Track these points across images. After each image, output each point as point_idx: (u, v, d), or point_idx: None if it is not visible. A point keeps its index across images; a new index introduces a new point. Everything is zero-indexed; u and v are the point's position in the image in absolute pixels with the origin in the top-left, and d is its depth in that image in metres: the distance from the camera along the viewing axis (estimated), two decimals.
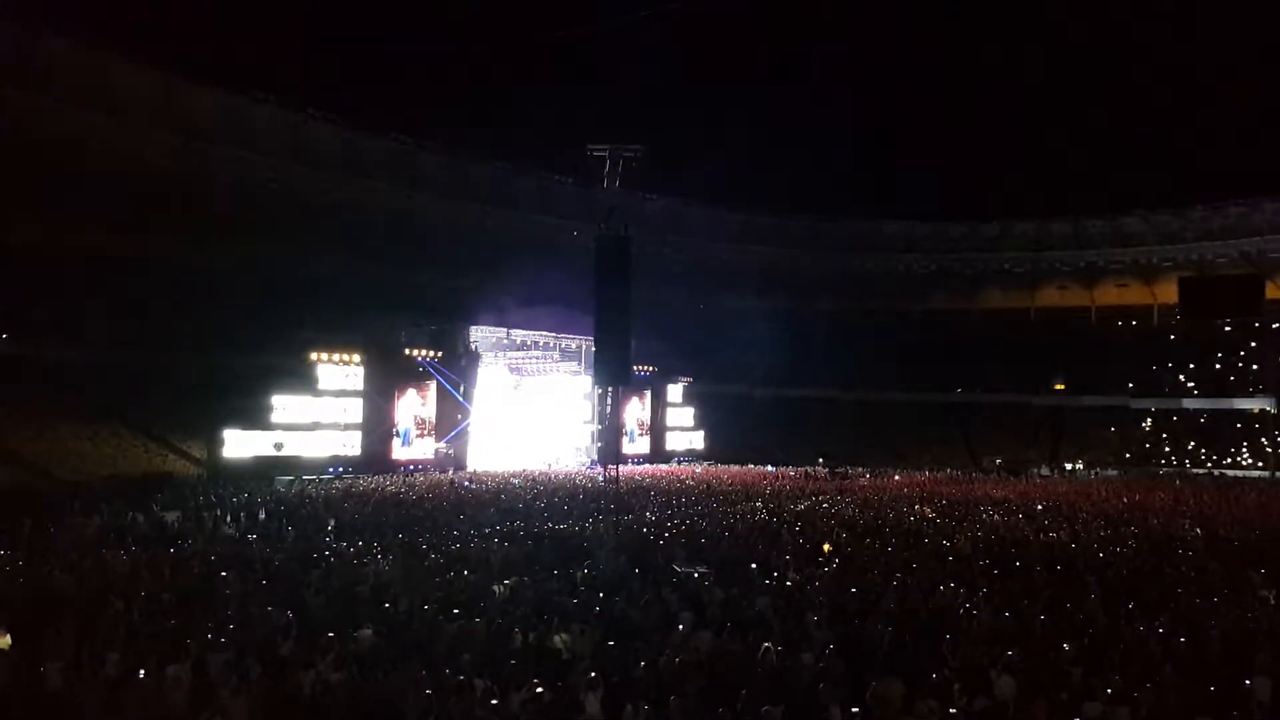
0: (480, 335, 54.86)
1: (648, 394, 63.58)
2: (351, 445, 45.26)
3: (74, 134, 49.04)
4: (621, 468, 42.16)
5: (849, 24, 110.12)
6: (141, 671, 11.04)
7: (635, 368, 52.47)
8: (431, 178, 68.18)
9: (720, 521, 28.88)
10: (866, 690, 11.00)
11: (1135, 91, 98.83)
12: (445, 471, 46.10)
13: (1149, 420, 68.93)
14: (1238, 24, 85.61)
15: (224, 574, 17.33)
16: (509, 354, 59.19)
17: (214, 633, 12.87)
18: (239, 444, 41.75)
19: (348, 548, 21.29)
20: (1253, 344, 70.35)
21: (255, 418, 42.34)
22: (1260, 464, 60.85)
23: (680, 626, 13.94)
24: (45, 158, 46.09)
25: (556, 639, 13.27)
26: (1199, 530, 27.93)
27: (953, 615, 15.39)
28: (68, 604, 14.34)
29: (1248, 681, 11.56)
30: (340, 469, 43.70)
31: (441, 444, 49.61)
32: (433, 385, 49.48)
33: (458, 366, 50.97)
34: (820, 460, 57.49)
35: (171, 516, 25.82)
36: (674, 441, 66.58)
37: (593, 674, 11.13)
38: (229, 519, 26.60)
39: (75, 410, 42.48)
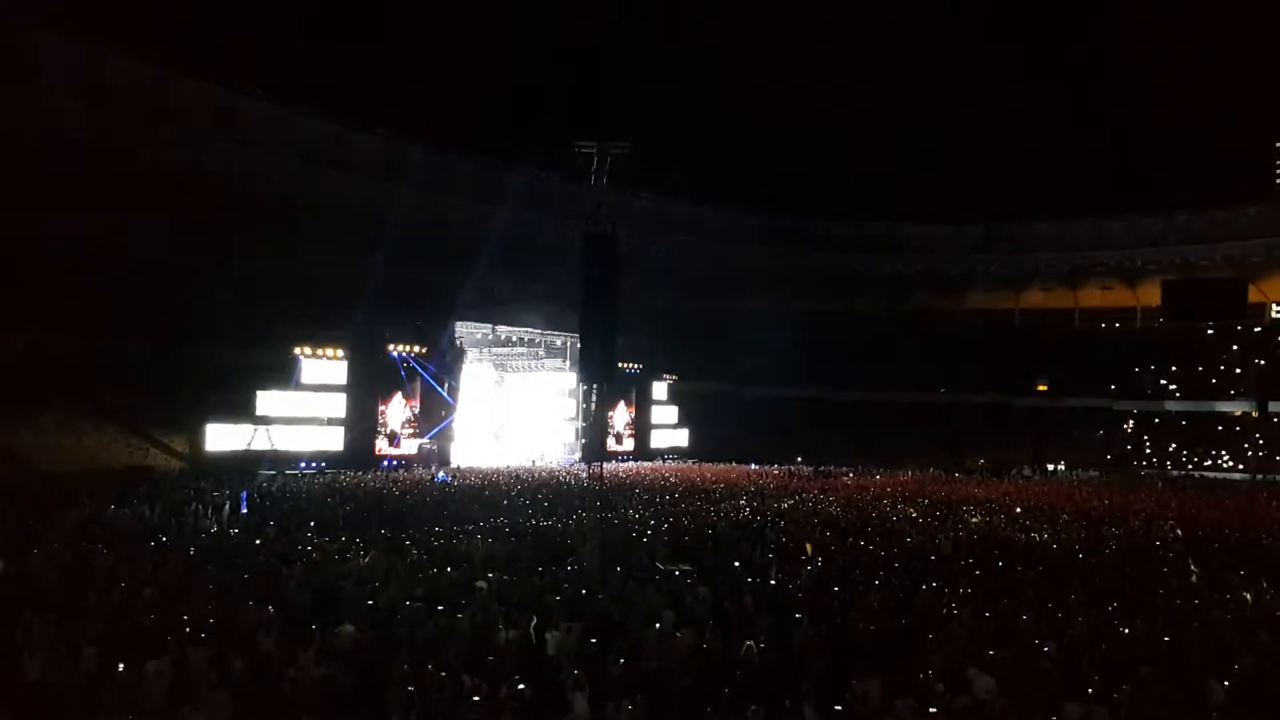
0: (465, 331, 54.75)
1: (633, 391, 63.50)
2: (335, 440, 45.08)
3: (56, 124, 48.74)
4: (606, 465, 42.11)
5: (838, 24, 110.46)
6: (121, 666, 10.98)
7: (620, 365, 52.61)
8: (417, 173, 68.02)
9: (704, 520, 28.92)
10: (848, 689, 11.03)
11: (1121, 96, 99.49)
12: (429, 467, 46.02)
13: (1131, 422, 69.25)
14: (1223, 32, 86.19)
15: (205, 568, 17.26)
16: (494, 350, 59.11)
17: (195, 627, 12.82)
18: (222, 438, 41.60)
19: (330, 543, 21.21)
20: (1235, 347, 70.79)
21: (238, 412, 42.17)
22: (1241, 466, 61.18)
23: (662, 624, 13.94)
24: (25, 148, 45.74)
25: (540, 636, 13.27)
26: (1179, 532, 28.11)
27: (934, 615, 15.45)
28: (48, 597, 14.24)
29: (1225, 683, 11.64)
30: (323, 464, 43.51)
31: (426, 440, 49.48)
32: (417, 381, 49.32)
33: (443, 362, 50.80)
34: (799, 459, 57.93)
35: (153, 511, 25.67)
36: (658, 439, 66.54)
37: (578, 673, 11.14)
38: (211, 513, 26.45)
39: (57, 403, 42.19)
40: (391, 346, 48.14)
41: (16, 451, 37.88)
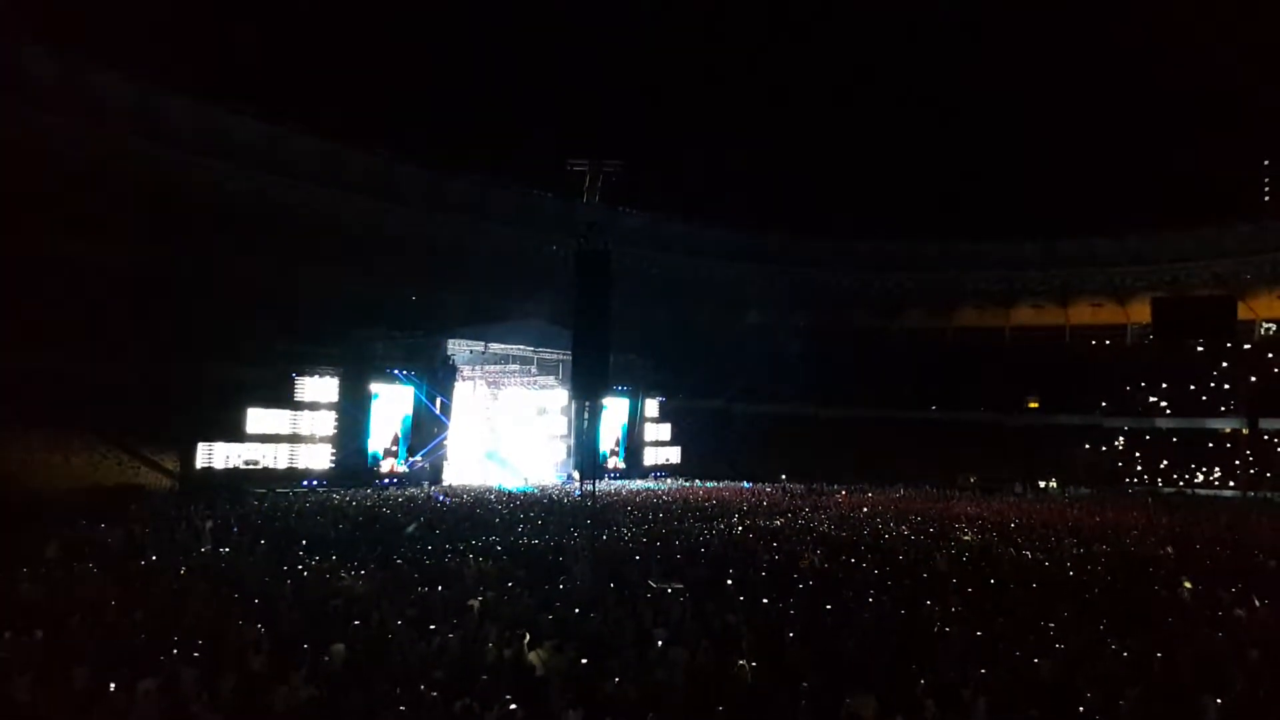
0: (458, 348, 54.65)
1: (625, 409, 63.48)
2: (326, 458, 44.95)
3: (45, 139, 48.66)
4: (598, 482, 42.09)
5: (828, 42, 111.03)
6: (112, 685, 10.92)
7: (613, 383, 52.63)
8: (410, 190, 68.13)
9: (696, 537, 28.88)
10: (841, 707, 11.01)
11: (1111, 113, 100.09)
12: (421, 485, 45.94)
13: (1122, 439, 69.38)
14: (1211, 50, 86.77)
15: (196, 587, 17.18)
16: (486, 367, 59.01)
17: (185, 647, 12.75)
18: (213, 457, 41.47)
19: (321, 562, 21.12)
20: (1225, 364, 71.01)
21: (229, 430, 42.04)
22: (1231, 483, 61.32)
23: (657, 643, 13.90)
24: (13, 162, 45.61)
25: (531, 655, 13.22)
26: (1170, 549, 28.14)
27: (927, 633, 15.43)
28: (37, 616, 14.16)
29: (1218, 700, 11.65)
30: (315, 482, 43.39)
31: (418, 457, 49.35)
32: (409, 398, 49.23)
33: (435, 379, 50.74)
34: (783, 477, 58.06)
35: (144, 529, 25.54)
36: (651, 456, 66.52)
37: (570, 692, 11.11)
38: (201, 532, 26.31)
39: (47, 421, 41.97)
40: (384, 363, 48.14)
41: (5, 468, 37.67)
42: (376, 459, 47.31)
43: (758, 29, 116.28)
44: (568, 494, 43.67)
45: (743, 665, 12.57)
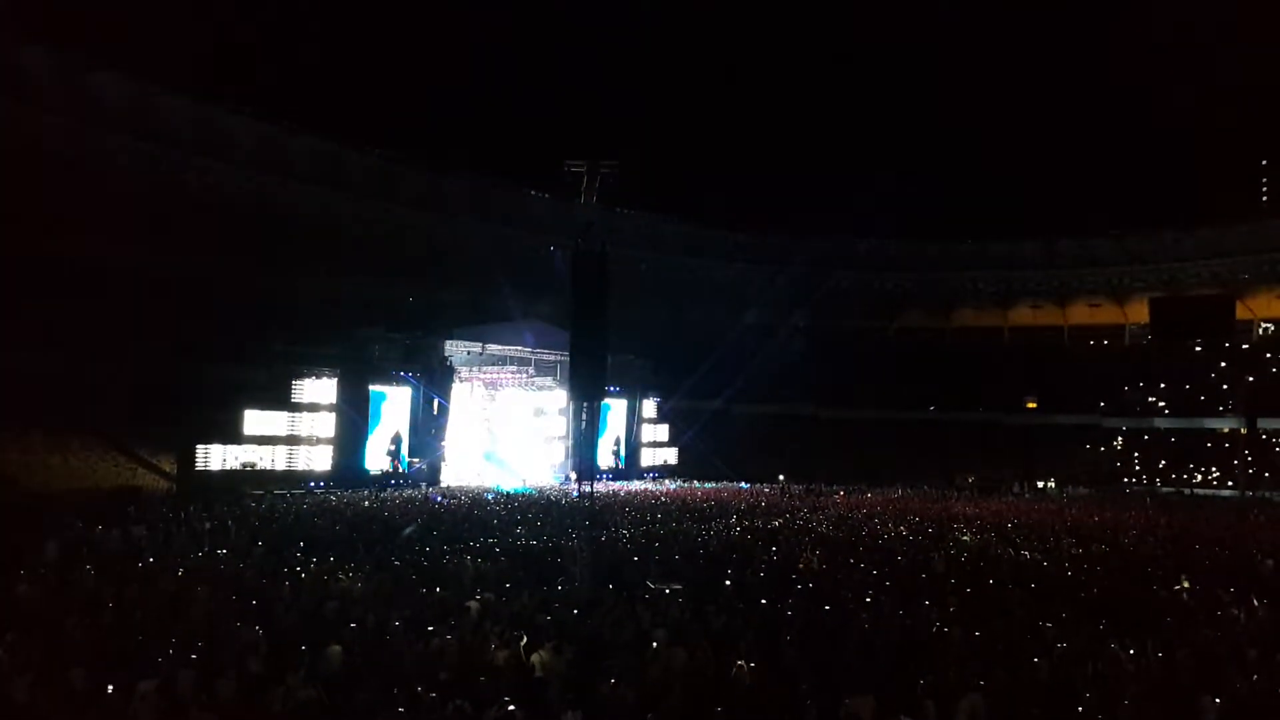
0: (455, 349, 54.64)
1: (623, 409, 63.46)
2: (324, 460, 44.88)
3: (44, 139, 48.59)
4: (596, 483, 42.03)
5: (825, 42, 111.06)
6: (110, 687, 10.91)
7: (610, 384, 52.60)
8: (408, 191, 68.06)
9: (694, 538, 28.87)
10: (840, 708, 11.00)
11: (1110, 113, 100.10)
12: (418, 487, 45.90)
13: (1120, 439, 69.40)
14: (1211, 50, 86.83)
15: (193, 589, 17.16)
16: (484, 368, 59.02)
17: (183, 648, 12.73)
18: (209, 459, 41.42)
19: (319, 563, 21.10)
20: (1223, 364, 71.01)
21: (227, 432, 41.98)
22: (1230, 483, 61.30)
23: (654, 644, 13.88)
24: (13, 162, 45.55)
25: (530, 656, 13.22)
26: (1168, 549, 28.14)
27: (926, 633, 15.43)
28: (35, 618, 14.15)
29: (1217, 700, 11.64)
30: (313, 484, 43.32)
31: (415, 458, 49.34)
32: (407, 399, 49.22)
33: (433, 380, 50.72)
34: (780, 478, 58.07)
35: (141, 531, 25.50)
36: (649, 457, 66.51)
37: (568, 695, 11.10)
38: (199, 534, 26.29)
39: (46, 422, 41.96)
40: (382, 364, 48.12)
41: (5, 469, 37.66)
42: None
43: (757, 29, 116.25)
44: (565, 495, 43.61)
45: (741, 666, 12.56)
